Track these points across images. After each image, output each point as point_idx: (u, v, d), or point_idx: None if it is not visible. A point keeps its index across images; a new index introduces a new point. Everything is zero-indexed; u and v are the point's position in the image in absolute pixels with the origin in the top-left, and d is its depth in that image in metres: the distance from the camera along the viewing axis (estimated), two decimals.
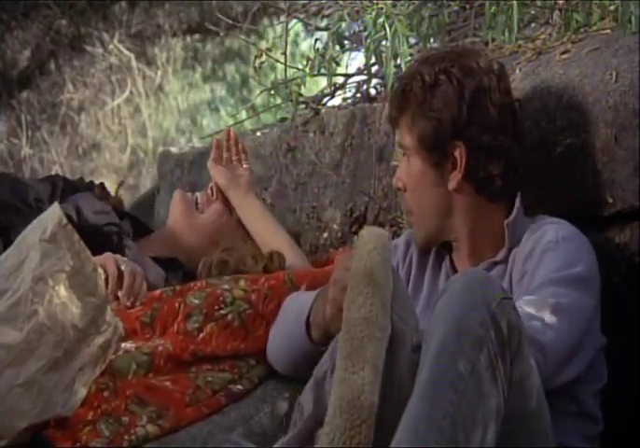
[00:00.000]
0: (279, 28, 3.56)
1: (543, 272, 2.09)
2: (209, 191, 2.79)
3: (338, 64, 3.03)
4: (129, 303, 2.30)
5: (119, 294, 2.29)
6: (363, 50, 2.93)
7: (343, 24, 2.96)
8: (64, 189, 2.66)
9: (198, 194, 2.79)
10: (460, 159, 2.21)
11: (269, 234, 2.72)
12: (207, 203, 2.77)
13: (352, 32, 3.09)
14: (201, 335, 2.29)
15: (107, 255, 2.33)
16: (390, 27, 2.66)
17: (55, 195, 2.62)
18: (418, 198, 2.27)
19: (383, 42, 2.74)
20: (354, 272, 1.88)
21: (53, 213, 2.02)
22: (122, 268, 2.29)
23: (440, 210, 2.25)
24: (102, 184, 2.83)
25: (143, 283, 2.33)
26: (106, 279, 2.26)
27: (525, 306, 1.99)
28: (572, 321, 2.02)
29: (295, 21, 3.31)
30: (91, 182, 2.82)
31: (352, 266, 1.90)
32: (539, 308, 2.00)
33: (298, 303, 2.24)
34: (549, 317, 1.98)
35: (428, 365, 1.77)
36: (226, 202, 2.78)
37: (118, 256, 2.36)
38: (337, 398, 1.77)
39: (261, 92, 3.46)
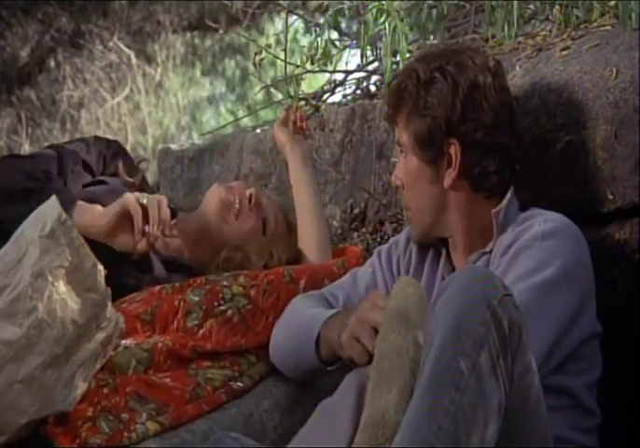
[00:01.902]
0: (279, 24, 3.55)
1: (514, 273, 2.08)
2: (247, 199, 2.67)
3: (337, 61, 3.03)
4: (159, 233, 2.32)
5: (147, 228, 2.32)
6: (363, 47, 2.93)
7: (343, 21, 2.95)
8: (79, 169, 2.61)
9: (236, 196, 2.65)
10: (455, 156, 2.20)
11: (307, 215, 2.69)
12: (241, 211, 2.65)
13: (352, 29, 3.09)
14: (201, 331, 2.29)
15: (126, 195, 2.36)
16: (389, 24, 2.66)
17: (65, 176, 2.55)
18: (414, 195, 2.27)
19: (383, 39, 2.74)
20: (389, 311, 1.89)
21: (52, 208, 2.01)
22: (144, 202, 2.32)
23: (436, 207, 2.25)
24: (118, 145, 2.76)
25: (167, 210, 2.35)
26: (132, 219, 2.32)
27: None
28: (539, 331, 2.01)
29: (295, 17, 3.31)
30: (107, 142, 2.73)
31: (387, 306, 1.91)
32: None
33: (308, 316, 2.25)
34: None
35: (429, 364, 1.77)
36: (260, 213, 2.68)
37: (136, 193, 2.38)
38: (363, 419, 1.79)
39: (261, 89, 3.46)
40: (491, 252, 2.22)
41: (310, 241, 2.65)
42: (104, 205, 2.42)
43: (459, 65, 2.22)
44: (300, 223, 2.67)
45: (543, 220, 2.17)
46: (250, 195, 2.65)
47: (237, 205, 2.63)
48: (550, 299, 2.06)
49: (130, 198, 2.35)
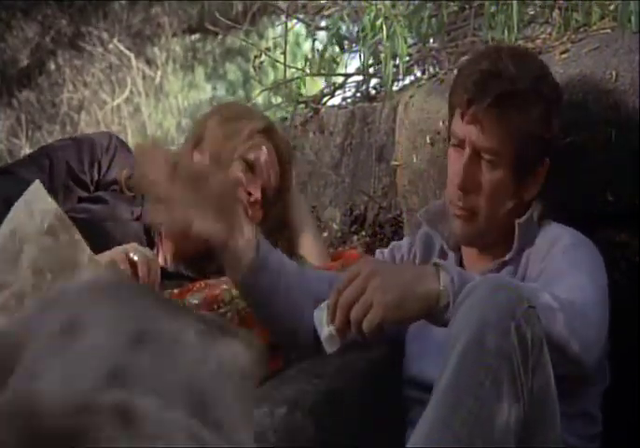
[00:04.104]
0: (280, 28, 3.56)
1: (566, 266, 2.07)
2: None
3: (337, 64, 3.03)
4: None
5: None
6: (361, 51, 2.93)
7: (343, 25, 2.96)
8: (71, 184, 2.51)
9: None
10: (543, 172, 2.21)
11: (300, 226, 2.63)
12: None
13: (351, 32, 3.09)
14: None
15: (116, 250, 2.27)
16: (388, 28, 2.66)
17: (56, 194, 2.42)
18: (494, 204, 2.18)
19: (382, 42, 2.74)
20: None
21: (48, 204, 2.00)
22: (135, 259, 2.25)
23: (508, 218, 2.20)
24: (116, 145, 2.57)
25: (157, 269, 2.27)
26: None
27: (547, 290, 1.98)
28: (599, 313, 2.00)
29: (295, 21, 3.31)
30: (102, 143, 2.55)
31: None
32: (567, 291, 1.98)
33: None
34: (580, 305, 1.95)
35: (449, 372, 1.75)
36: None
37: (127, 246, 2.29)
38: None
39: (261, 92, 3.46)
40: (512, 263, 2.20)
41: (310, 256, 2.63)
42: (99, 231, 2.40)
43: (552, 79, 2.21)
44: (299, 242, 2.65)
45: (573, 233, 2.18)
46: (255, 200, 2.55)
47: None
48: (600, 287, 2.06)
49: (119, 254, 2.25)
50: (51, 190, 2.38)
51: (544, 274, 2.10)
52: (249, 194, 2.53)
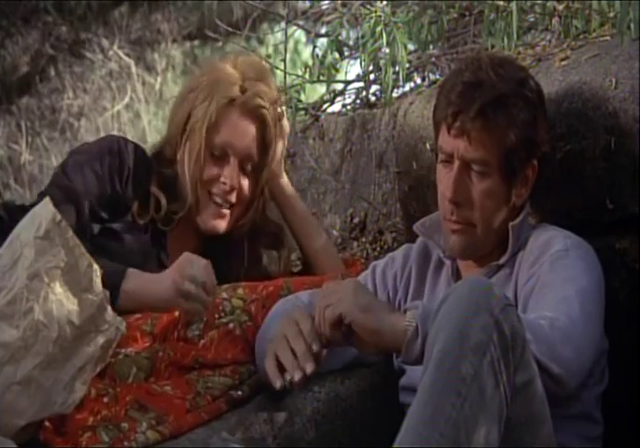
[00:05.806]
0: (280, 34, 3.56)
1: (553, 278, 2.09)
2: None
3: (337, 71, 3.03)
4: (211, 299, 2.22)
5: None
6: (361, 58, 2.93)
7: (343, 31, 2.96)
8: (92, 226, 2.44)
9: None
10: (532, 174, 2.22)
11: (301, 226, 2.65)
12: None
13: (351, 39, 3.10)
14: (202, 342, 2.29)
15: (169, 288, 2.19)
16: (388, 35, 2.67)
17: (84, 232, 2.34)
18: (487, 214, 2.21)
19: (382, 49, 2.74)
20: None
21: (46, 209, 2.01)
22: (190, 289, 2.19)
23: (503, 224, 2.22)
24: (134, 170, 2.47)
25: (213, 276, 2.21)
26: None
27: (536, 313, 2.01)
28: (585, 330, 2.02)
29: (295, 28, 3.31)
30: (122, 172, 2.46)
31: None
32: (552, 307, 2.01)
33: (277, 315, 2.25)
34: (563, 323, 1.98)
35: (431, 369, 1.78)
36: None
37: (175, 277, 2.19)
38: None
39: None
40: (507, 266, 2.22)
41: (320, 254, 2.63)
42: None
43: (533, 81, 2.24)
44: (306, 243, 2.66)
45: (564, 234, 2.19)
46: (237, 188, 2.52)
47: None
48: (590, 302, 2.07)
49: (173, 295, 2.19)
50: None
51: (532, 282, 2.12)
52: (224, 184, 2.49)
